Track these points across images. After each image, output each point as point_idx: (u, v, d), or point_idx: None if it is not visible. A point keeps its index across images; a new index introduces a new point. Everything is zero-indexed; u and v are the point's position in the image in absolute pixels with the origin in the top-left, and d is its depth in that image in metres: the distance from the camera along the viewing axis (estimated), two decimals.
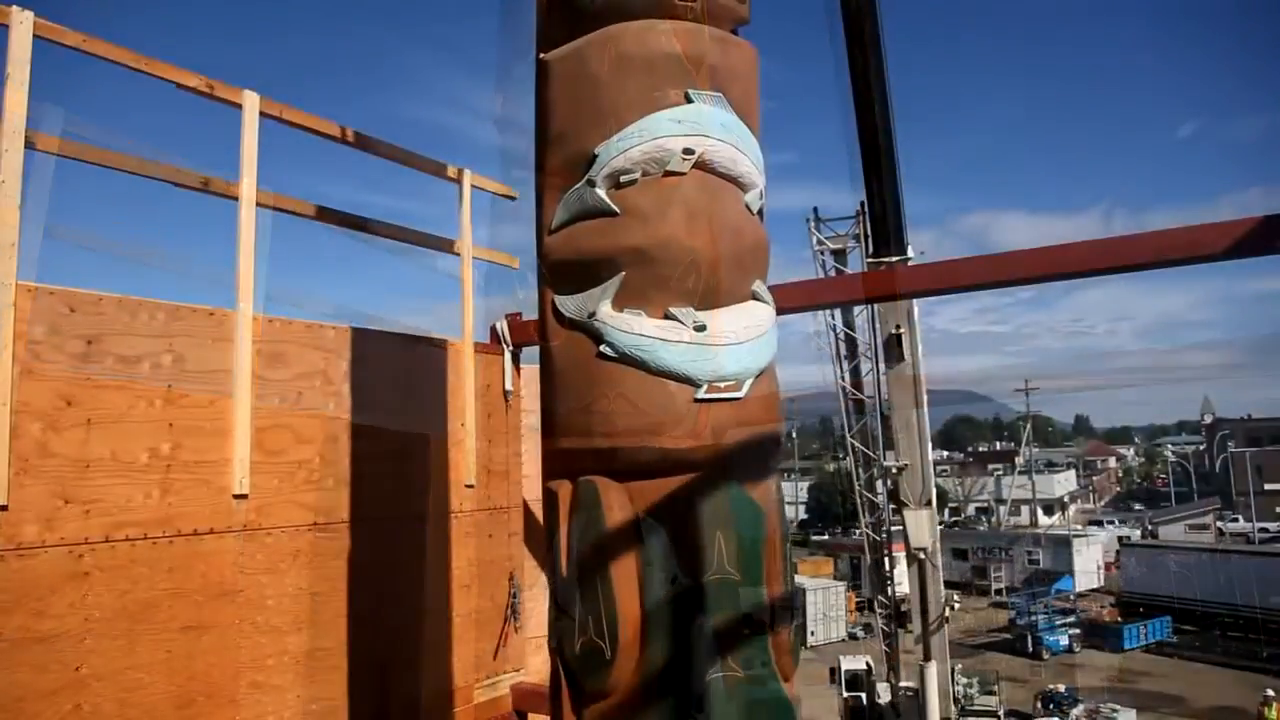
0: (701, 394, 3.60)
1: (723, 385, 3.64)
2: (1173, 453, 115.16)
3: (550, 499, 3.86)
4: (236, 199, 6.03)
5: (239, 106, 6.09)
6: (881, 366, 19.65)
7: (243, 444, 5.69)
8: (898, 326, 17.44)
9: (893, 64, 14.80)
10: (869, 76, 14.67)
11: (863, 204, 18.32)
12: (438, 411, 7.29)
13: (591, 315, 3.74)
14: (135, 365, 5.26)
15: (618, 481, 3.67)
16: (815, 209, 21.79)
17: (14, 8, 4.95)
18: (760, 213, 4.10)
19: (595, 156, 3.76)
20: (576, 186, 3.83)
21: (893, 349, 17.63)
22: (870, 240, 17.67)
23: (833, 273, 21.51)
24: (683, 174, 3.73)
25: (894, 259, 16.47)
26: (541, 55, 4.04)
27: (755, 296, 3.95)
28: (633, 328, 3.64)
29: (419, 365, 7.19)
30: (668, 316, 3.65)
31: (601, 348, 3.69)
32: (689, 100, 3.77)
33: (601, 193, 3.75)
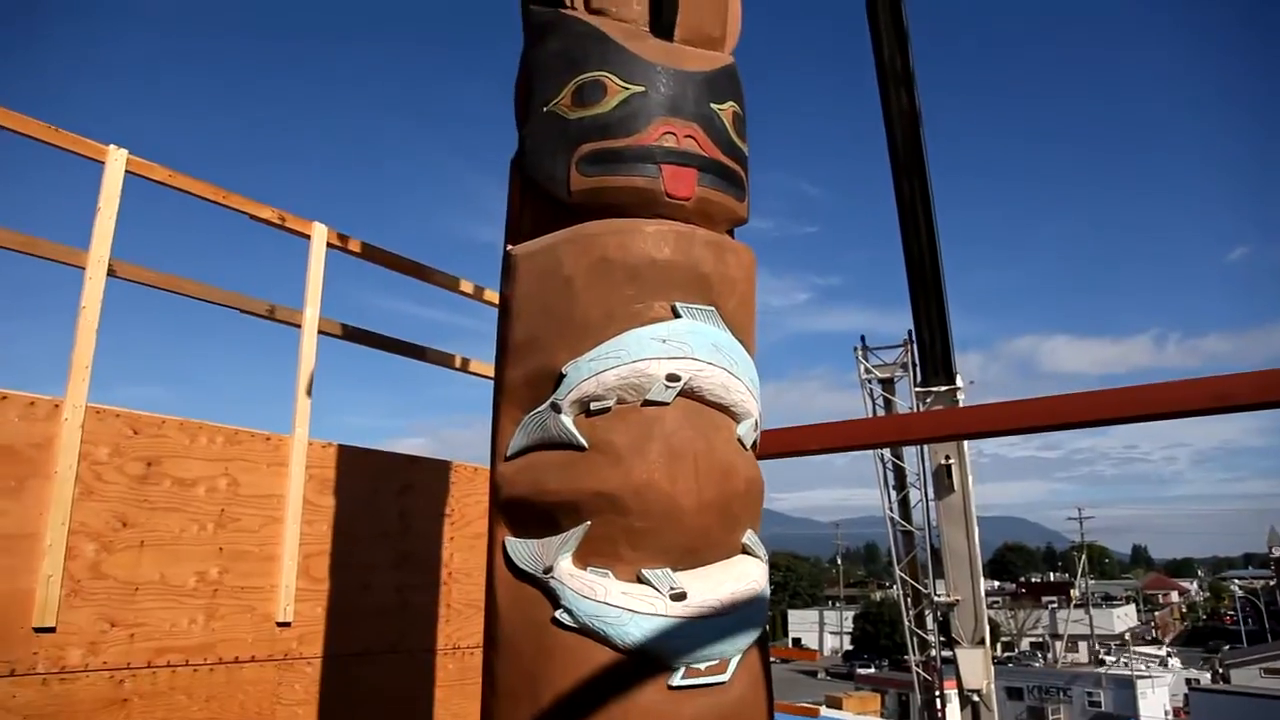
0: (678, 680, 2.97)
1: (703, 667, 3.02)
2: (1240, 587, 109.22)
3: None
4: (299, 326, 6.23)
5: (308, 237, 6.36)
6: (930, 496, 19.21)
7: (290, 570, 5.69)
8: (947, 457, 17.10)
9: (940, 190, 15.05)
10: (915, 202, 14.85)
11: (910, 332, 18.34)
12: (482, 538, 7.25)
13: (548, 571, 3.10)
14: (191, 488, 5.34)
15: None
16: (863, 338, 21.80)
17: (111, 146, 5.30)
18: (754, 446, 3.51)
19: (563, 376, 3.19)
20: (539, 409, 3.26)
21: (942, 480, 17.24)
22: (919, 369, 17.63)
23: (880, 401, 21.31)
24: (665, 404, 3.17)
25: (943, 388, 16.36)
26: (509, 248, 3.56)
27: (745, 550, 3.33)
28: (596, 593, 3.01)
29: (462, 491, 7.20)
30: (640, 579, 3.05)
31: (558, 613, 3.04)
32: (676, 314, 3.26)
33: (568, 421, 3.17)
